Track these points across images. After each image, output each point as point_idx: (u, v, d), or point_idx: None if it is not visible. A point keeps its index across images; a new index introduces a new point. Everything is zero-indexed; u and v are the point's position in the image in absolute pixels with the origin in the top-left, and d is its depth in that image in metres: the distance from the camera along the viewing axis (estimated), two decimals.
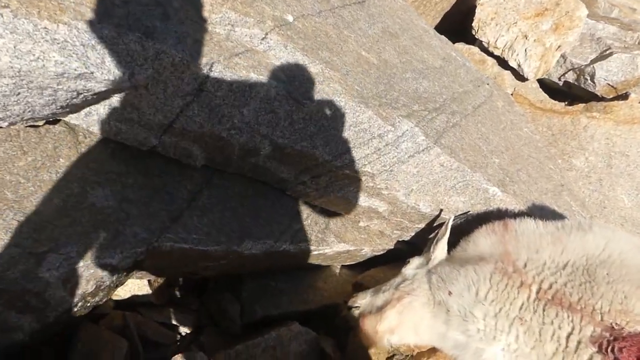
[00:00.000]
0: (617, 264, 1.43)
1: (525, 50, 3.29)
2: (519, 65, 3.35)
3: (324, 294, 2.31)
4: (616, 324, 1.30)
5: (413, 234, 2.25)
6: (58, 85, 1.29)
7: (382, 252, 2.35)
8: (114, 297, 2.08)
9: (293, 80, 1.63)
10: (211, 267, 1.93)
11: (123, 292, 2.11)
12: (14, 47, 1.15)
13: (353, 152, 1.80)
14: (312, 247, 2.07)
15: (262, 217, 1.95)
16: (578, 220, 1.71)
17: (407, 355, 2.07)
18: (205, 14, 1.53)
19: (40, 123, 1.57)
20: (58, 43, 1.21)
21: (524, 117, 3.02)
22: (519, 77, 3.46)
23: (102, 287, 1.67)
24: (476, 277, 1.55)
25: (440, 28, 3.40)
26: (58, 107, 1.41)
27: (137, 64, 1.36)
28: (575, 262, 1.48)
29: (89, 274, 1.57)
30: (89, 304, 1.67)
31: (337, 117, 1.72)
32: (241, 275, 2.21)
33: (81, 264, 1.53)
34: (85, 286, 1.58)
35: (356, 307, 1.91)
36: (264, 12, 1.67)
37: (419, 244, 2.26)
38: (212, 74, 1.48)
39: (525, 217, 1.73)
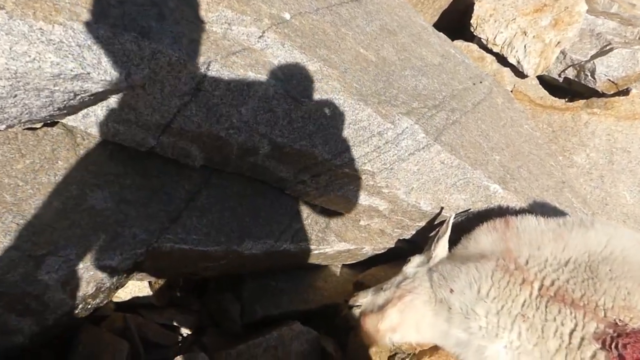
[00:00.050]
0: (619, 261, 1.43)
1: (525, 46, 3.28)
2: (519, 62, 3.34)
3: (324, 294, 2.30)
4: (620, 320, 1.29)
5: (414, 232, 2.24)
6: (55, 86, 1.28)
7: (383, 251, 2.34)
8: (115, 299, 2.07)
9: (291, 79, 1.63)
10: (211, 267, 1.93)
11: (124, 294, 2.11)
12: (10, 49, 1.15)
13: (353, 150, 1.79)
14: (312, 247, 2.06)
15: (262, 217, 1.95)
16: (580, 216, 1.70)
17: (409, 354, 2.06)
18: (202, 12, 1.52)
19: (38, 125, 1.56)
20: (54, 44, 1.20)
21: (524, 114, 3.01)
22: (519, 73, 3.44)
23: (103, 289, 1.66)
24: (478, 274, 1.55)
25: (439, 26, 3.39)
26: (55, 109, 1.40)
27: (133, 63, 1.36)
28: (578, 259, 1.47)
29: (89, 276, 1.56)
30: (89, 306, 1.67)
31: (336, 115, 1.71)
32: (241, 276, 2.20)
33: (81, 266, 1.52)
34: (86, 288, 1.58)
35: (357, 306, 1.90)
36: (260, 10, 1.66)
37: (419, 243, 2.25)
38: (209, 73, 1.47)
39: (527, 214, 1.72)
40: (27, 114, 1.36)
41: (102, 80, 1.32)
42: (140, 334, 1.94)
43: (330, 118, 1.71)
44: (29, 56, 1.18)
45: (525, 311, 1.42)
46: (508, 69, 3.46)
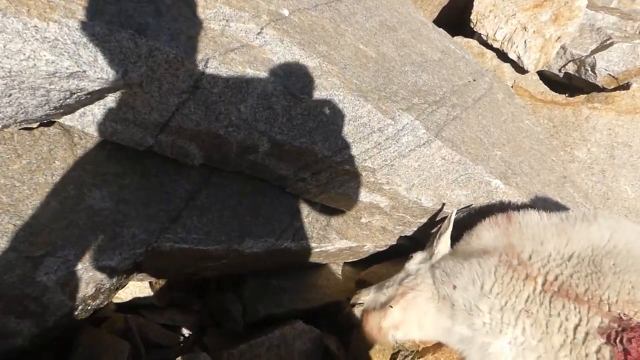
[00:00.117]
0: (623, 254, 1.41)
1: (525, 42, 3.26)
2: (519, 57, 3.32)
3: (326, 292, 2.29)
4: (624, 314, 1.28)
5: (415, 229, 2.23)
6: (50, 85, 1.27)
7: (384, 248, 2.33)
8: (115, 300, 2.06)
9: (290, 75, 1.61)
10: (212, 267, 1.91)
11: (124, 295, 2.09)
12: (4, 47, 1.13)
13: (353, 147, 1.78)
14: (313, 245, 2.05)
15: (262, 215, 1.93)
16: (582, 211, 1.69)
17: (412, 351, 2.05)
18: (199, 9, 1.50)
19: (34, 125, 1.54)
20: (49, 42, 1.19)
21: (525, 109, 3.00)
22: (519, 69, 3.43)
23: (102, 290, 1.65)
24: (481, 270, 1.53)
25: (438, 22, 3.37)
26: (52, 108, 1.39)
27: (130, 61, 1.34)
28: (581, 253, 1.46)
29: (88, 277, 1.55)
30: (89, 307, 1.66)
31: (336, 111, 1.70)
32: (242, 275, 2.19)
33: (79, 266, 1.51)
34: (85, 289, 1.56)
35: (360, 303, 1.89)
36: (259, 6, 1.65)
37: (421, 239, 2.24)
38: (207, 71, 1.46)
39: (529, 209, 1.71)
40: (22, 113, 1.34)
41: (98, 78, 1.31)
42: (141, 335, 1.93)
43: (330, 115, 1.70)
44: (24, 54, 1.16)
45: (529, 307, 1.41)
46: (508, 64, 3.44)
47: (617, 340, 1.24)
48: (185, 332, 2.16)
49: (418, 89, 2.06)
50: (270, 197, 1.99)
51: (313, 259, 2.18)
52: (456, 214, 1.90)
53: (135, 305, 2.11)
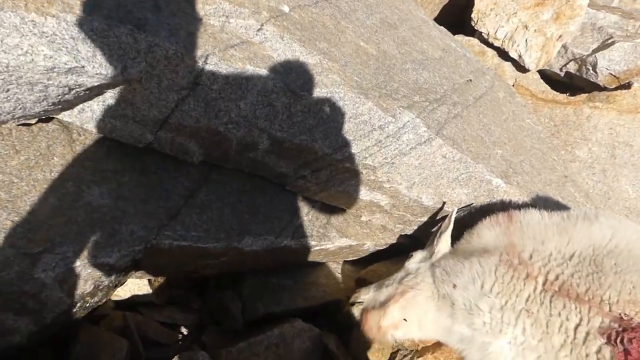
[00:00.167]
0: (624, 254, 1.41)
1: (526, 40, 3.25)
2: (520, 56, 3.31)
3: (326, 290, 2.28)
4: (625, 314, 1.27)
5: (416, 227, 2.22)
6: (48, 80, 1.25)
7: (384, 247, 2.32)
8: (114, 298, 2.05)
9: (290, 72, 1.60)
10: (211, 264, 1.91)
11: (123, 292, 2.09)
12: (1, 41, 1.12)
13: (353, 144, 1.77)
14: (313, 243, 2.04)
15: (262, 213, 1.92)
16: (584, 210, 1.68)
17: (412, 350, 2.04)
18: (199, 5, 1.49)
19: (33, 121, 1.54)
20: (47, 36, 1.17)
21: (526, 108, 2.99)
22: (520, 68, 3.41)
23: (101, 287, 1.64)
24: (481, 269, 1.52)
25: (439, 20, 3.36)
26: (50, 104, 1.37)
27: (129, 57, 1.33)
28: (582, 253, 1.45)
29: (87, 274, 1.54)
30: (88, 305, 1.65)
31: (336, 109, 1.69)
32: (242, 273, 2.18)
33: (78, 263, 1.50)
34: (83, 286, 1.55)
35: (359, 302, 1.88)
36: (259, 2, 1.64)
37: (421, 238, 2.23)
38: (207, 67, 1.45)
39: (530, 208, 1.70)
40: (20, 109, 1.33)
41: (97, 74, 1.30)
42: (139, 333, 1.92)
43: (330, 112, 1.69)
44: (21, 49, 1.15)
45: (530, 306, 1.40)
46: (509, 63, 3.43)
47: (618, 341, 1.24)
48: (184, 330, 2.16)
49: (419, 87, 2.05)
50: (270, 195, 1.98)
51: (313, 257, 2.17)
52: (457, 212, 1.90)
53: (134, 302, 2.10)
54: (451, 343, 1.61)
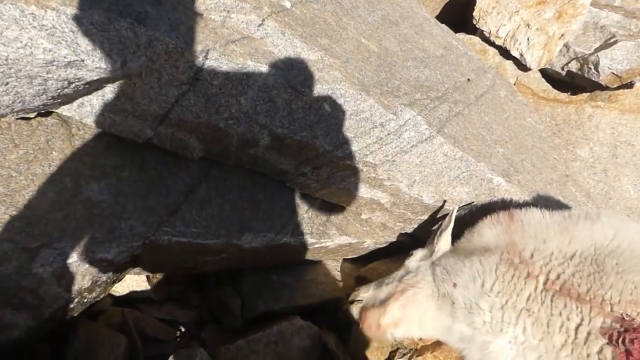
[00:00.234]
0: (626, 254, 1.40)
1: (528, 39, 3.23)
2: (522, 55, 3.29)
3: (325, 288, 2.27)
4: (627, 314, 1.26)
5: (416, 226, 2.21)
6: (48, 74, 1.24)
7: (384, 245, 2.32)
8: (112, 293, 2.05)
9: (291, 68, 1.59)
10: (211, 261, 1.90)
11: (121, 288, 2.08)
12: (0, 34, 1.11)
13: (354, 142, 1.76)
14: (313, 240, 2.03)
15: (262, 210, 1.91)
16: (585, 209, 1.67)
17: (411, 349, 2.04)
18: None
19: (32, 115, 1.52)
20: (46, 29, 1.16)
21: (527, 107, 2.97)
22: (521, 66, 3.40)
23: (99, 283, 1.63)
24: (482, 268, 1.51)
25: (441, 18, 3.34)
26: (49, 98, 1.36)
27: (129, 51, 1.32)
28: (584, 252, 1.44)
29: (85, 269, 1.54)
30: (86, 300, 1.64)
31: (337, 105, 1.68)
32: (242, 270, 2.17)
33: (76, 259, 1.49)
34: (81, 282, 1.55)
35: (359, 300, 1.87)
36: None
37: (422, 236, 2.22)
38: (207, 62, 1.43)
39: (531, 207, 1.69)
40: (19, 102, 1.32)
41: (97, 68, 1.28)
42: (138, 329, 1.91)
43: (331, 109, 1.68)
44: (21, 42, 1.14)
45: (531, 305, 1.39)
46: (511, 61, 3.41)
47: (619, 341, 1.23)
48: (183, 326, 2.15)
49: (420, 85, 2.04)
50: (270, 192, 1.97)
51: (312, 254, 2.17)
52: (457, 211, 1.89)
53: (133, 298, 2.09)
54: (451, 342, 1.60)
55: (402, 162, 1.85)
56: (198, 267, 1.96)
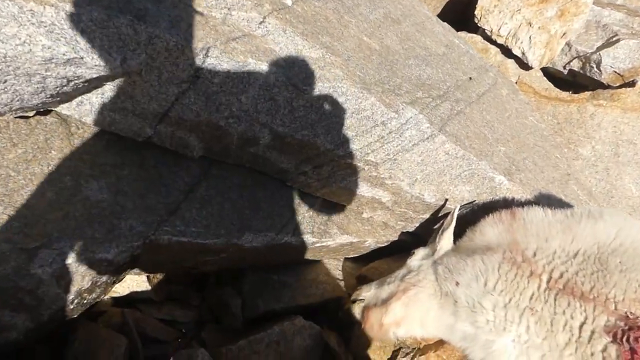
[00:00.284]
0: (629, 252, 1.39)
1: (530, 37, 3.22)
2: (523, 54, 3.28)
3: (326, 287, 2.26)
4: (631, 312, 1.25)
5: (417, 224, 2.20)
6: (46, 71, 1.23)
7: (386, 244, 2.30)
8: (112, 294, 2.03)
9: (292, 66, 1.58)
10: (211, 261, 1.89)
11: (121, 289, 2.07)
12: None
13: (355, 140, 1.75)
14: (314, 239, 2.02)
15: (263, 209, 1.90)
16: (588, 208, 1.66)
17: (414, 348, 2.03)
18: None
19: (31, 113, 1.51)
20: (45, 26, 1.15)
21: (529, 106, 2.96)
22: (523, 65, 3.38)
23: (99, 283, 1.62)
24: (484, 267, 1.50)
25: (442, 16, 3.33)
26: (48, 96, 1.35)
27: (129, 49, 1.31)
28: (587, 251, 1.43)
29: (84, 270, 1.52)
30: (85, 301, 1.63)
31: (338, 104, 1.66)
32: (242, 269, 2.16)
33: (75, 259, 1.48)
34: (81, 282, 1.53)
35: (360, 300, 1.86)
36: None
37: (423, 235, 2.21)
38: (208, 60, 1.42)
39: (533, 205, 1.68)
40: (18, 100, 1.31)
41: (96, 65, 1.27)
42: (138, 329, 1.90)
43: (332, 107, 1.66)
44: (19, 39, 1.13)
45: (534, 304, 1.38)
46: (512, 60, 3.40)
47: (624, 339, 1.22)
48: (184, 327, 2.14)
49: (422, 83, 2.03)
50: (271, 191, 1.96)
51: (313, 254, 2.15)
52: (459, 210, 1.87)
53: (133, 299, 2.08)
54: (454, 341, 1.59)
55: (404, 160, 1.84)
56: (198, 267, 1.94)
